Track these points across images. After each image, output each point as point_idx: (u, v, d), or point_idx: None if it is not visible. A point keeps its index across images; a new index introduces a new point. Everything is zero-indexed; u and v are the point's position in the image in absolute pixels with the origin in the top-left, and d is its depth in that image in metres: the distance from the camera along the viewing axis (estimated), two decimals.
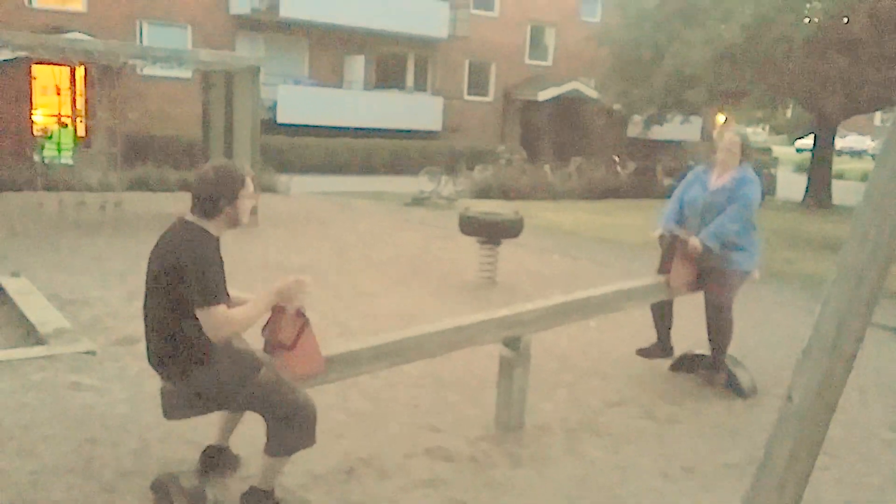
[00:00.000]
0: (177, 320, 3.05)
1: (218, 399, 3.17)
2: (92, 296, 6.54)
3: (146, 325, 3.19)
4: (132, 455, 3.68)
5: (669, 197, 5.47)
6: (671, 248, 5.02)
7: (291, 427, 3.12)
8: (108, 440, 3.82)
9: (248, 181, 3.18)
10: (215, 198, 3.07)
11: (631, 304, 4.95)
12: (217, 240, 3.15)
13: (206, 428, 3.94)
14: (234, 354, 3.17)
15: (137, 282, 7.03)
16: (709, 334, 5.11)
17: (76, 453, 3.65)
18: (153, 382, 4.57)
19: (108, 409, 4.18)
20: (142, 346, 5.19)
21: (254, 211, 4.17)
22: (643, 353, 5.41)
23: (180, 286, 2.99)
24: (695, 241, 4.90)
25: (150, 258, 3.14)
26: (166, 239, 3.13)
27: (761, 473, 2.32)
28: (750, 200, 4.93)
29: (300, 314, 3.19)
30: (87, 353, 5.04)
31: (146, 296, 3.16)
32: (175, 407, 3.20)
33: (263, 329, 3.26)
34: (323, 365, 3.34)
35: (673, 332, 5.40)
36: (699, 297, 5.16)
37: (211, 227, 3.12)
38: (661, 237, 5.16)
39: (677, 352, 5.45)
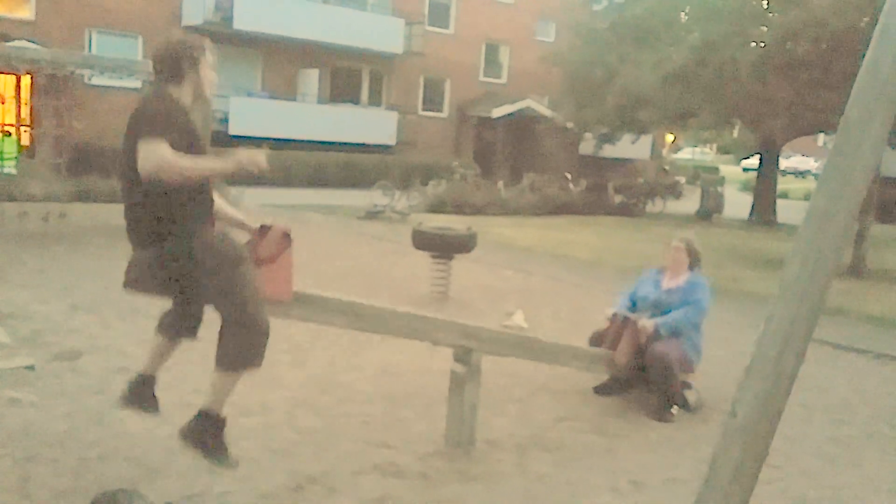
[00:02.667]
0: (155, 187, 2.93)
1: (191, 272, 3.05)
2: (32, 310, 6.35)
3: (125, 204, 3.10)
4: (71, 473, 3.56)
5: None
6: (620, 328, 5.15)
7: (246, 336, 3.05)
8: (47, 458, 3.69)
9: (209, 52, 3.20)
10: (177, 60, 3.08)
11: (575, 363, 5.05)
12: (185, 107, 3.09)
13: (149, 445, 3.85)
14: (223, 238, 3.12)
15: (80, 295, 6.93)
16: (656, 387, 5.09)
17: (13, 472, 3.52)
18: (93, 399, 4.47)
19: (46, 426, 4.05)
20: (82, 362, 5.10)
21: None
22: (600, 390, 5.42)
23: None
24: (645, 322, 5.06)
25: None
26: (139, 105, 3.09)
27: (707, 487, 2.34)
28: (703, 306, 5.20)
29: (286, 235, 3.20)
30: (26, 368, 4.88)
31: (122, 173, 3.08)
32: (138, 275, 3.11)
33: (248, 243, 3.24)
34: (291, 293, 3.32)
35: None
36: None
37: (178, 93, 3.10)
38: (614, 315, 5.27)
39: None
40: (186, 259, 3.03)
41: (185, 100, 3.13)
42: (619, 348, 5.10)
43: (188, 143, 3.01)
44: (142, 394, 3.48)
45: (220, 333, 3.10)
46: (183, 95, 3.12)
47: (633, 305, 5.38)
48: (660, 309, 5.20)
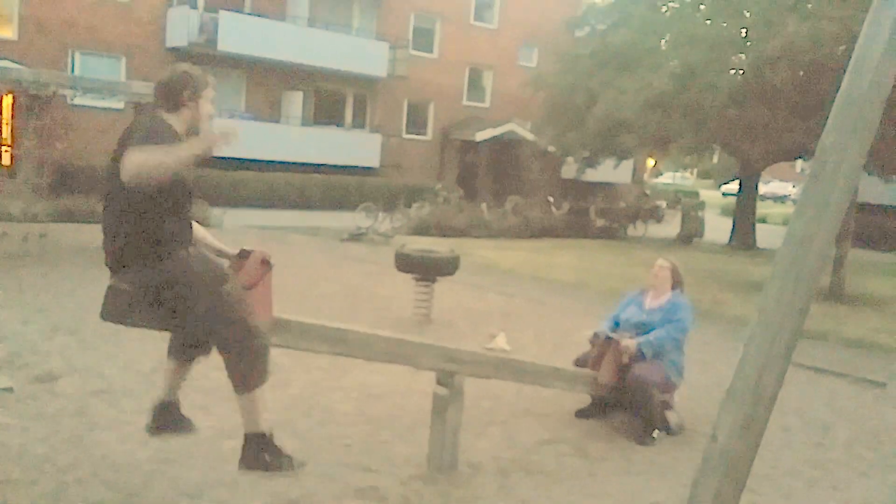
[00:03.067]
0: (136, 207, 2.94)
1: (175, 300, 3.04)
2: (11, 331, 6.28)
3: (105, 224, 3.08)
4: (49, 497, 3.51)
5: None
6: (603, 348, 5.19)
7: (246, 358, 3.07)
8: (24, 481, 3.63)
9: (211, 88, 3.22)
10: (178, 89, 3.10)
11: (558, 384, 5.07)
12: (177, 133, 3.08)
13: (128, 469, 3.81)
14: (203, 259, 3.13)
15: (60, 316, 6.85)
16: (636, 410, 5.14)
17: None
18: (71, 421, 4.42)
19: (24, 449, 3.99)
20: (61, 384, 5.04)
21: None
22: (581, 414, 5.43)
23: None
24: (628, 342, 5.10)
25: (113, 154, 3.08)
26: (128, 127, 3.10)
27: None
28: (685, 325, 5.24)
29: (265, 262, 3.25)
30: (4, 389, 4.82)
31: (107, 194, 3.07)
32: (118, 306, 3.08)
33: (228, 268, 3.26)
34: (270, 317, 3.33)
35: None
36: None
37: (173, 121, 3.11)
38: (595, 335, 5.31)
39: None
40: (165, 282, 3.01)
41: (179, 127, 3.14)
42: (601, 368, 5.11)
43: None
44: (169, 420, 3.48)
45: (224, 361, 3.10)
46: (177, 123, 3.12)
47: (616, 326, 5.40)
48: (643, 329, 5.23)
